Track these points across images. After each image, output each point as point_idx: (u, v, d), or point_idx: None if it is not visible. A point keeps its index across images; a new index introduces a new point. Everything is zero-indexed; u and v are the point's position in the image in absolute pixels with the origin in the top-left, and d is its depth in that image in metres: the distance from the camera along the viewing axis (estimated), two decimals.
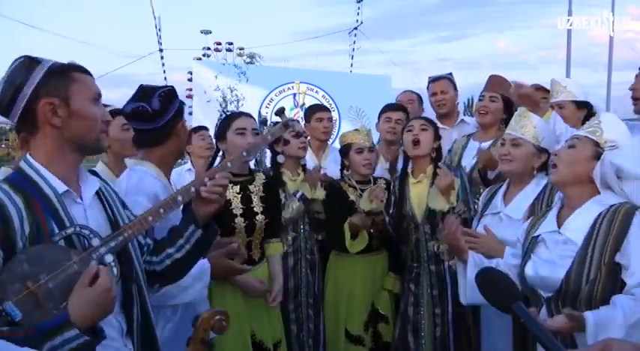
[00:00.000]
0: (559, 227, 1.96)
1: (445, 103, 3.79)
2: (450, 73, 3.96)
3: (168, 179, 2.19)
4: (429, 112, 4.01)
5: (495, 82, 3.28)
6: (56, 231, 1.36)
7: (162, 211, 1.54)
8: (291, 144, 3.10)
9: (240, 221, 2.58)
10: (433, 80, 3.87)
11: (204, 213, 1.67)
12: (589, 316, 1.69)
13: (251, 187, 2.69)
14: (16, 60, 1.44)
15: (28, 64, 1.43)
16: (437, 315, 2.92)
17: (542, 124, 2.50)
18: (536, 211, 2.37)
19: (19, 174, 1.43)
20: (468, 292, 2.24)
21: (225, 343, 2.38)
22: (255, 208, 2.65)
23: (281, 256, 2.87)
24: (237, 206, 2.61)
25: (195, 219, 1.66)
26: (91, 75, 1.53)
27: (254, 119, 2.75)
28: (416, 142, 2.92)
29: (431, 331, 2.92)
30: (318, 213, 3.11)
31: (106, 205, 1.56)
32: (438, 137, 3.01)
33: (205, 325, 1.50)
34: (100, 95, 1.53)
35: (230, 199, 2.60)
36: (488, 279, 1.37)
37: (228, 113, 2.77)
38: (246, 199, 2.64)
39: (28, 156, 1.46)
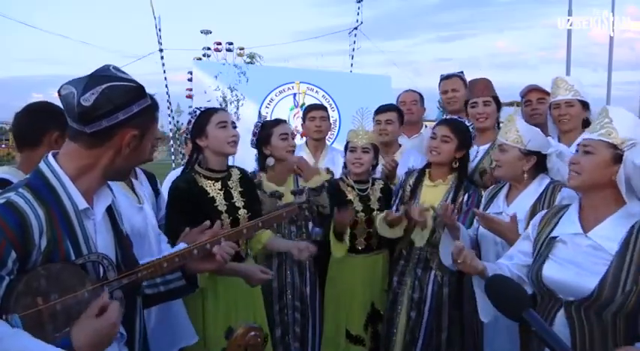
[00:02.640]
0: (584, 230, 1.88)
1: (456, 100, 3.84)
2: (462, 72, 4.01)
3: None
4: (430, 111, 4.06)
5: (483, 86, 3.31)
6: (71, 250, 1.34)
7: (177, 260, 1.56)
8: (278, 147, 3.09)
9: (225, 217, 2.56)
10: (445, 78, 3.91)
11: (200, 267, 1.69)
12: None
13: (229, 183, 2.68)
14: (124, 80, 1.41)
15: (137, 93, 1.41)
16: (411, 318, 2.93)
17: (526, 127, 2.51)
18: (537, 211, 2.36)
19: (41, 180, 1.38)
20: (484, 308, 2.09)
21: (213, 338, 2.44)
22: (236, 203, 2.63)
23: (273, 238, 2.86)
24: (221, 202, 2.59)
25: (184, 269, 1.67)
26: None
27: (230, 114, 2.77)
28: (434, 152, 2.92)
29: (403, 332, 2.94)
30: (324, 207, 3.07)
31: (115, 221, 1.55)
32: (463, 147, 2.93)
33: (240, 341, 1.47)
34: None
35: (214, 196, 2.59)
36: (497, 286, 1.34)
37: (202, 109, 2.73)
38: (227, 195, 2.63)
39: (51, 160, 1.41)
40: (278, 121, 3.26)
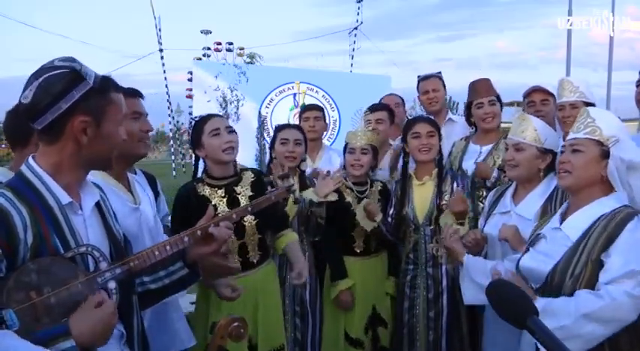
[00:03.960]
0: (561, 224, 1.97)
1: (437, 101, 3.84)
2: (439, 72, 4.00)
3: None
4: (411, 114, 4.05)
5: (487, 87, 3.30)
6: (59, 244, 1.33)
7: (168, 248, 1.53)
8: (278, 151, 3.09)
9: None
10: (424, 79, 3.91)
11: (199, 253, 1.65)
12: (540, 301, 1.71)
13: (237, 188, 2.61)
14: (59, 67, 1.37)
15: (72, 78, 1.36)
16: (430, 318, 2.91)
17: (542, 125, 2.51)
18: (550, 210, 2.38)
19: (21, 180, 1.38)
20: (467, 293, 2.24)
21: None
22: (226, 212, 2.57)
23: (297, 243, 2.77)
24: (223, 210, 2.52)
25: (184, 256, 1.64)
26: (121, 92, 1.50)
27: (225, 118, 2.72)
28: (425, 150, 2.93)
29: (424, 336, 2.91)
30: (322, 218, 3.05)
31: (105, 217, 1.53)
32: (440, 136, 3.03)
33: (223, 332, 1.47)
34: (125, 115, 1.51)
35: (215, 204, 2.54)
36: (499, 292, 1.29)
37: (196, 119, 2.68)
38: (232, 201, 2.57)
39: (31, 161, 1.41)
40: (284, 126, 3.25)
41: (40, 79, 1.35)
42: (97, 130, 1.40)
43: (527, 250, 2.04)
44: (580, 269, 1.80)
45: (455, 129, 3.72)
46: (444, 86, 3.93)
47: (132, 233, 1.97)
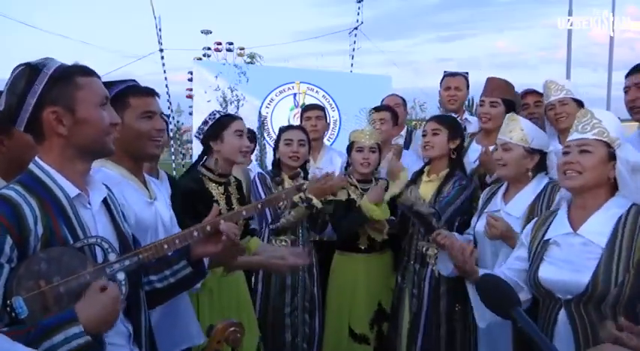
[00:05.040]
0: (574, 229, 1.92)
1: (457, 99, 3.83)
2: (467, 73, 4.00)
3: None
4: (434, 111, 4.04)
5: (495, 86, 3.28)
6: (68, 236, 1.35)
7: (177, 241, 1.54)
8: (282, 152, 3.14)
9: None
10: (450, 75, 3.89)
11: (204, 251, 1.67)
12: None
13: (230, 189, 2.72)
14: (17, 67, 1.41)
15: (29, 72, 1.39)
16: (412, 313, 2.96)
17: (530, 126, 2.53)
18: (537, 210, 2.39)
19: (30, 176, 1.40)
20: (484, 314, 2.07)
21: None
22: (236, 209, 2.59)
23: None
24: (223, 207, 2.60)
25: (189, 255, 1.66)
26: (97, 76, 1.49)
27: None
28: (427, 147, 2.96)
29: (407, 329, 2.97)
30: (329, 214, 3.11)
31: (112, 214, 1.55)
32: (455, 136, 2.99)
33: (219, 337, 1.48)
34: (107, 98, 1.49)
35: (217, 199, 2.61)
36: (487, 285, 1.40)
37: (222, 114, 2.77)
38: (227, 200, 2.67)
39: (37, 159, 1.44)
40: (288, 127, 3.30)
41: (8, 84, 1.39)
42: (73, 117, 1.40)
43: (541, 259, 1.95)
44: (623, 276, 1.77)
45: (469, 130, 3.72)
46: (468, 87, 3.92)
47: (148, 225, 1.98)
